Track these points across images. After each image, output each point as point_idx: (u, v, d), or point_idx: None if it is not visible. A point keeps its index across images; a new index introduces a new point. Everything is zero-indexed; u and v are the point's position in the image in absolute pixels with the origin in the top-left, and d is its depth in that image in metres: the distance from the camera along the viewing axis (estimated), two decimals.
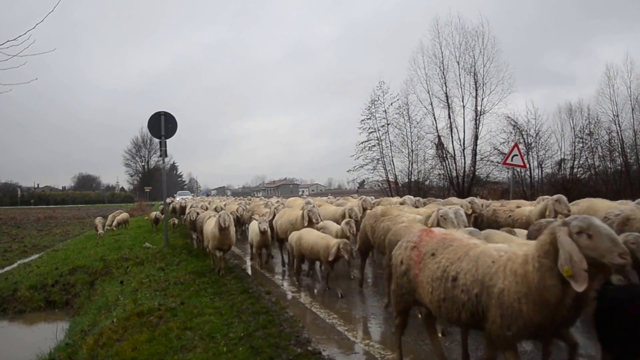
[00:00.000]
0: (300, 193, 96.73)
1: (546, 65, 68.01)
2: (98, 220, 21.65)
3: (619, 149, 24.06)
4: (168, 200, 22.32)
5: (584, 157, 24.89)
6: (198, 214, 13.39)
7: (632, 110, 23.63)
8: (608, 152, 24.46)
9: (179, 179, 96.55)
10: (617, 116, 24.19)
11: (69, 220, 35.95)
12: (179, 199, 37.59)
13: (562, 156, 25.60)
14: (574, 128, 25.47)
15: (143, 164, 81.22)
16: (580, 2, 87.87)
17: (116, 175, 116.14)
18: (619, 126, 24.11)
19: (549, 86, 59.75)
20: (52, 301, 12.00)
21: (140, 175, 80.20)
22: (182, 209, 21.02)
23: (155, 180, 64.42)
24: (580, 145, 24.95)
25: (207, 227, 9.97)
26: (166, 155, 14.84)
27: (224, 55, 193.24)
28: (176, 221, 19.53)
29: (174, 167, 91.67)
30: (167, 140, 14.23)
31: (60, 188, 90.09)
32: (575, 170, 24.88)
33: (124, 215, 25.46)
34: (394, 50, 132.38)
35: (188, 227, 15.73)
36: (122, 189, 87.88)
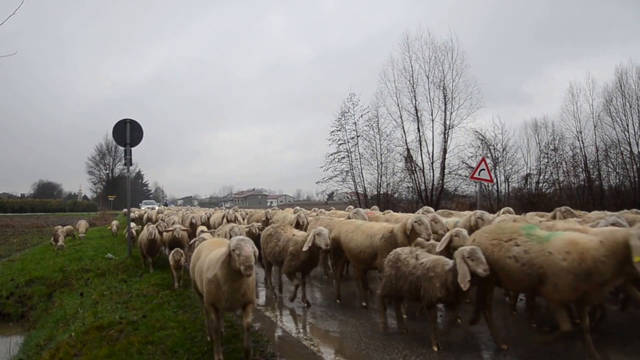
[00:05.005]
0: (268, 204, 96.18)
1: (504, 85, 70.75)
2: (61, 230, 20.55)
3: (582, 164, 24.88)
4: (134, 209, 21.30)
5: (549, 172, 25.67)
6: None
7: (594, 127, 24.57)
8: (572, 168, 25.24)
9: (145, 188, 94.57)
10: (581, 133, 25.08)
11: (27, 229, 34.49)
12: (144, 208, 36.77)
13: (528, 171, 26.35)
14: (539, 143, 26.30)
15: (107, 172, 79.04)
16: (534, 29, 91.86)
17: (79, 183, 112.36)
18: (582, 142, 24.99)
19: (509, 105, 61.89)
20: (7, 314, 11.45)
21: (104, 183, 77.99)
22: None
23: (120, 189, 62.91)
24: (546, 160, 25.78)
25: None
26: (131, 164, 14.56)
27: (202, 70, 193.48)
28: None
29: (139, 175, 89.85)
30: (133, 149, 13.90)
31: (19, 195, 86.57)
32: (540, 185, 25.62)
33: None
34: (367, 66, 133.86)
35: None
36: (85, 197, 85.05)
